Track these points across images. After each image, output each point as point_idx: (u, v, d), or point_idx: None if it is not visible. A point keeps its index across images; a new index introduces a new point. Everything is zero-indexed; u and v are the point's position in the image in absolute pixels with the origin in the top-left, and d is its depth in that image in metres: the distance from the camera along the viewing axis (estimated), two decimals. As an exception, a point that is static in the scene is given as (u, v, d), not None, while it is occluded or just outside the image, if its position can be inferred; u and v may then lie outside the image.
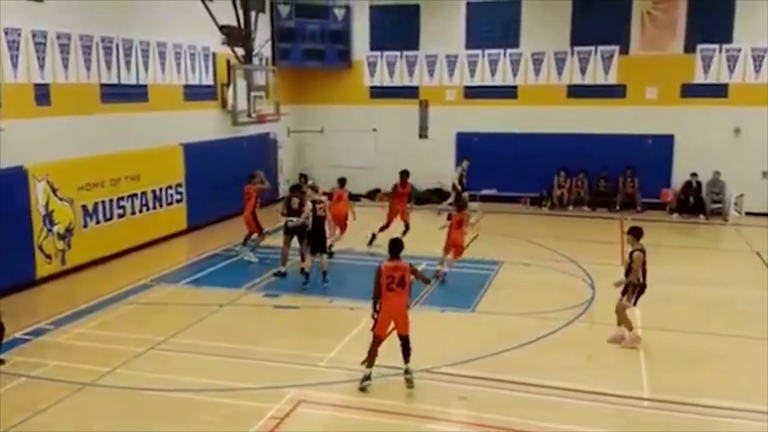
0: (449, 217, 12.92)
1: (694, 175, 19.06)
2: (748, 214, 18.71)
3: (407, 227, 14.66)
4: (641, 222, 18.14)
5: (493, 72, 20.79)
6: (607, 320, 10.51)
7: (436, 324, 10.66)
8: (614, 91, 19.78)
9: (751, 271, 13.67)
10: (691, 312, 11.18)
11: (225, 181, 17.69)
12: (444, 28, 21.04)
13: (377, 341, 8.33)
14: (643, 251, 9.53)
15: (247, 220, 14.46)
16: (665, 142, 19.46)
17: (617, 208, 19.56)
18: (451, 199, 17.60)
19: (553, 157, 19.67)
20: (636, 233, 9.67)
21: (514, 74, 20.62)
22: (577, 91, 20.06)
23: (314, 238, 12.29)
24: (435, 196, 20.76)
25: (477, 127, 20.68)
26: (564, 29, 19.97)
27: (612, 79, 19.85)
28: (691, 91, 19.20)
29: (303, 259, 12.52)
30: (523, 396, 8.08)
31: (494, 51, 20.67)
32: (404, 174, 15.35)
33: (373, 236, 14.93)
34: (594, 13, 19.59)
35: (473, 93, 20.98)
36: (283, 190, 21.25)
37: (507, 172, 20.10)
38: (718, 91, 18.98)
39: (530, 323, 10.46)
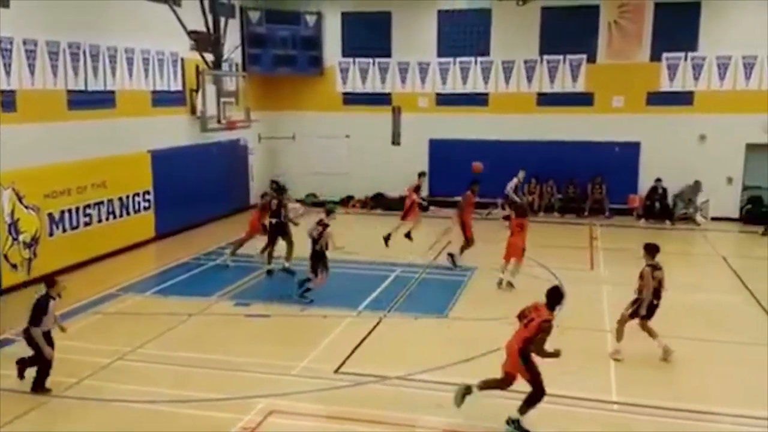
0: (509, 219, 13.20)
1: (658, 180, 19.39)
2: (713, 219, 19.09)
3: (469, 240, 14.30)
4: (610, 227, 18.57)
5: (464, 80, 20.94)
6: (576, 324, 10.64)
7: (410, 331, 10.67)
8: (582, 99, 20.05)
9: (718, 276, 13.95)
10: (659, 316, 11.31)
11: (194, 187, 17.53)
12: (416, 36, 21.14)
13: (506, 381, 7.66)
14: (656, 268, 9.46)
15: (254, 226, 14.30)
16: (632, 149, 19.77)
17: (586, 213, 19.80)
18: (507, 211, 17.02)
19: (524, 163, 19.83)
20: (649, 250, 9.61)
21: (485, 82, 20.79)
22: (546, 99, 20.28)
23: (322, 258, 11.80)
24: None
25: (449, 134, 20.79)
26: (533, 38, 20.20)
27: (580, 87, 20.12)
28: (657, 98, 19.55)
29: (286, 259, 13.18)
30: (500, 402, 8.07)
31: (465, 59, 20.82)
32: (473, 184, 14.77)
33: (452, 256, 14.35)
34: (562, 22, 19.86)
35: (445, 100, 21.09)
36: (255, 196, 21.26)
37: (480, 178, 20.18)
38: (684, 98, 19.35)
39: (504, 328, 10.45)
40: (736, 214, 19.28)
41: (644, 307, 9.42)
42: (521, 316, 7.67)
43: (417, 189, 15.76)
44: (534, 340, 7.31)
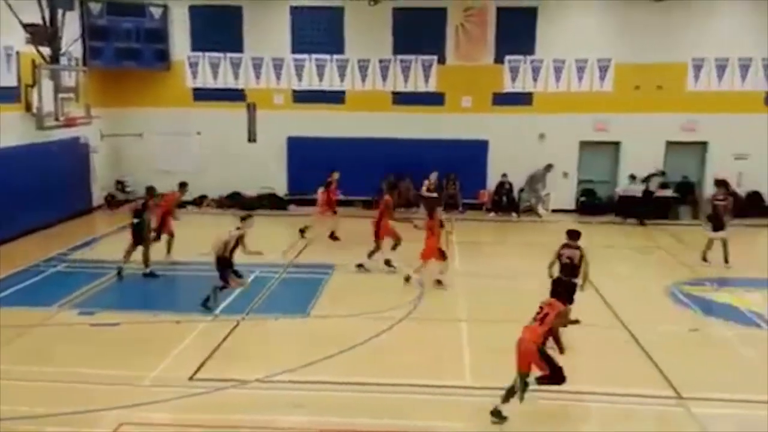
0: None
1: (504, 176, 20.52)
2: (554, 211, 20.50)
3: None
4: (464, 222, 19.37)
5: (320, 77, 20.94)
6: (435, 316, 11.02)
7: (270, 331, 10.52)
8: (434, 99, 20.73)
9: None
10: (520, 304, 11.97)
11: (30, 189, 16.15)
12: (269, 31, 20.81)
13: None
14: (569, 246, 10.02)
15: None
16: (481, 147, 20.78)
17: (442, 209, 20.48)
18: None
19: (382, 161, 20.21)
20: (570, 234, 10.10)
21: (341, 79, 20.92)
22: (401, 98, 20.75)
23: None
24: (266, 201, 20.49)
25: (307, 132, 20.70)
26: (386, 38, 20.61)
27: (432, 87, 20.80)
28: (501, 99, 20.63)
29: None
30: (364, 396, 8.18)
31: (321, 56, 20.82)
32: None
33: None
34: (413, 23, 20.41)
35: (302, 97, 20.96)
36: (98, 197, 19.97)
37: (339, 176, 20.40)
38: (524, 99, 20.58)
39: (364, 324, 10.63)
40: (572, 206, 20.84)
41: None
42: (536, 315, 7.90)
43: (329, 185, 16.20)
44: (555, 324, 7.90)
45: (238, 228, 11.27)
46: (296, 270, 13.84)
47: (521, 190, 20.74)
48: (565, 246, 10.02)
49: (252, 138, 21.10)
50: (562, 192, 20.67)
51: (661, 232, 18.09)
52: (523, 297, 12.11)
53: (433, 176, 20.11)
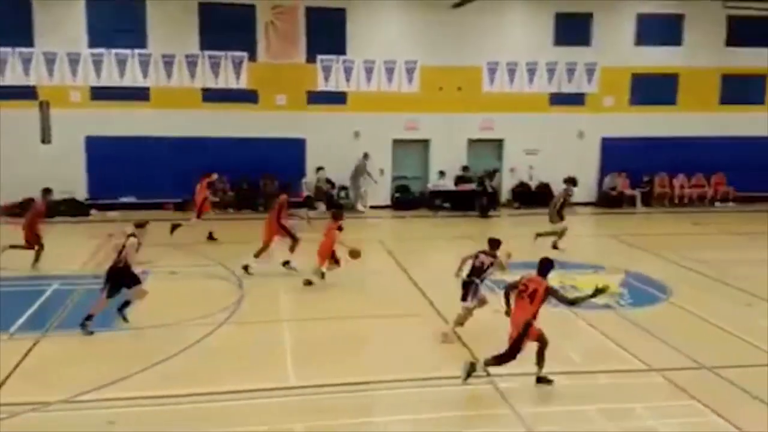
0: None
1: (320, 169, 20.71)
2: (371, 207, 21.07)
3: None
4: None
5: (121, 72, 19.65)
6: (256, 318, 10.83)
7: (75, 348, 9.65)
8: (247, 97, 20.40)
9: (377, 257, 15.30)
10: (328, 299, 12.13)
11: None
12: (61, 23, 19.14)
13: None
14: (486, 254, 10.02)
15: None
16: (298, 145, 20.78)
17: (261, 208, 20.20)
18: None
19: (194, 161, 19.41)
20: (491, 243, 10.03)
21: (144, 75, 19.79)
22: (211, 96, 20.14)
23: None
24: (65, 206, 18.83)
25: (108, 131, 19.32)
26: (193, 32, 19.88)
27: (243, 84, 20.42)
28: (316, 98, 20.81)
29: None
30: (181, 408, 7.79)
31: (121, 51, 19.55)
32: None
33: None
34: (221, 19, 19.89)
35: (101, 94, 19.52)
36: None
37: (146, 178, 19.31)
38: (339, 98, 20.96)
39: (181, 332, 10.14)
40: (388, 202, 21.60)
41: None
42: (521, 294, 8.18)
43: (209, 185, 16.35)
44: (559, 299, 8.34)
45: (132, 235, 10.29)
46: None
47: (342, 188, 21.05)
48: (482, 252, 10.06)
49: (46, 139, 19.21)
50: (379, 188, 21.35)
51: (469, 223, 19.37)
52: (342, 293, 12.45)
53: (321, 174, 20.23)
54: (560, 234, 15.66)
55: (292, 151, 20.70)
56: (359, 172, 20.82)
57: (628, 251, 15.64)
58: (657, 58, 21.75)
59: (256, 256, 13.44)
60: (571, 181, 16.25)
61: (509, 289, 8.54)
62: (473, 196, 21.04)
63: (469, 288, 9.95)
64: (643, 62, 21.72)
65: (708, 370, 8.98)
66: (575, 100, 21.85)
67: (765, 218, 20.87)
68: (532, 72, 21.64)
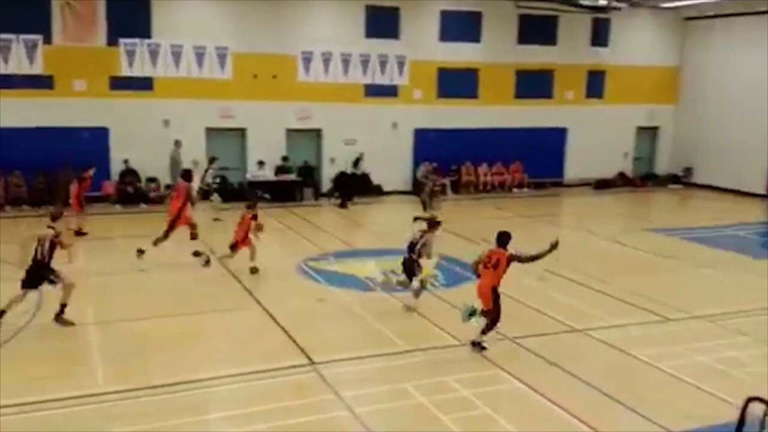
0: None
1: (126, 161, 19.56)
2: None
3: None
4: (91, 217, 17.53)
5: None
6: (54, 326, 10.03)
7: None
8: (41, 82, 18.61)
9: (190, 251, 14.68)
10: (139, 298, 11.53)
11: None
12: None
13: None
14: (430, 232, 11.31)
15: None
16: (100, 134, 19.33)
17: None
18: None
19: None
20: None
21: None
22: (2, 82, 18.07)
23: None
24: None
25: None
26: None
27: (38, 69, 18.60)
28: (120, 83, 19.47)
29: None
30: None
31: None
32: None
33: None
34: (5, -1, 17.93)
35: None
36: None
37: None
38: (145, 84, 19.78)
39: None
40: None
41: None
42: (485, 265, 9.30)
43: (82, 181, 15.77)
44: (522, 261, 9.35)
45: (49, 227, 9.85)
46: None
47: (151, 180, 19.97)
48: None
49: None
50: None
51: (288, 213, 19.27)
52: (155, 291, 11.87)
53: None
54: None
55: (94, 140, 19.20)
56: (174, 162, 19.75)
57: (441, 235, 16.48)
58: (459, 54, 23.14)
59: (155, 243, 13.25)
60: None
61: (476, 263, 9.52)
62: (294, 187, 21.00)
63: (412, 265, 11.01)
64: (448, 57, 22.99)
65: (510, 340, 9.84)
66: (389, 91, 22.58)
67: (554, 201, 23.31)
68: (346, 63, 21.99)
